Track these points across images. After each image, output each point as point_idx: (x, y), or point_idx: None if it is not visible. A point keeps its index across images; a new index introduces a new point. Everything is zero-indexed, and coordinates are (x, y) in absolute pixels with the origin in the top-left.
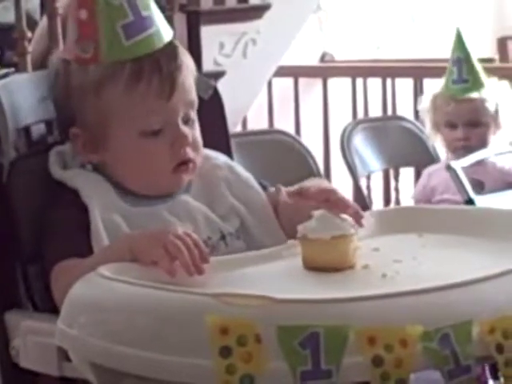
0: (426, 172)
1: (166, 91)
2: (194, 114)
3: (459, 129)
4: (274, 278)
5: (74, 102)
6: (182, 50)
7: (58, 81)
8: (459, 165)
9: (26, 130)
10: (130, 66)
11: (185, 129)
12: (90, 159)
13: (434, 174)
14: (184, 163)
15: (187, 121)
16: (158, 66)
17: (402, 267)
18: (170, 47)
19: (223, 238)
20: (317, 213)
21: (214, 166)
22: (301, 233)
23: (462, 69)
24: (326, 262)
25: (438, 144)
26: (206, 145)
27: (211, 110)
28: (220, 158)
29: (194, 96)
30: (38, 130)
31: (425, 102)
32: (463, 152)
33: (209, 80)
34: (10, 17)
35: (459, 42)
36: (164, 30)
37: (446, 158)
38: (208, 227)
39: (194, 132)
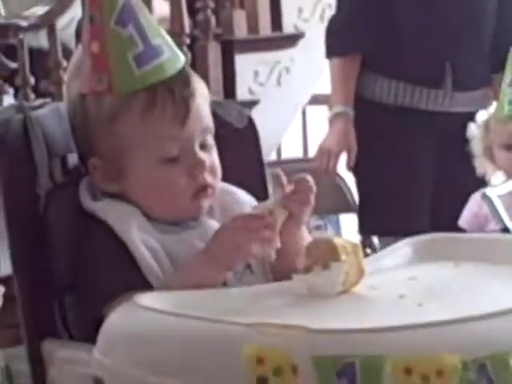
0: (476, 198)
1: (181, 117)
2: (211, 140)
3: None
4: (306, 307)
5: (92, 134)
6: (195, 77)
7: (75, 115)
8: (495, 193)
9: (62, 159)
10: (144, 95)
11: (202, 155)
12: (110, 189)
13: None
14: (203, 189)
15: (204, 147)
16: (171, 92)
17: (439, 296)
18: (183, 74)
19: (249, 266)
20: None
21: (237, 201)
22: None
23: None
24: None
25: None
26: (241, 174)
27: (246, 139)
28: (242, 194)
29: (210, 122)
30: (74, 159)
31: (473, 131)
32: None
33: (243, 109)
34: (42, 41)
35: None
36: (176, 58)
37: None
38: None
39: (212, 158)
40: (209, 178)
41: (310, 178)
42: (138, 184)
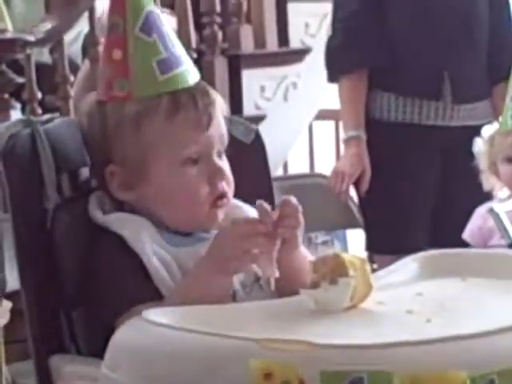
0: (480, 212)
1: (204, 122)
2: (223, 150)
3: None
4: (313, 323)
5: (112, 141)
6: (211, 89)
7: (92, 124)
8: (502, 209)
9: (71, 173)
10: (167, 99)
11: (220, 162)
12: (125, 197)
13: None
14: (221, 197)
15: (220, 155)
16: (194, 99)
17: (446, 312)
18: (201, 85)
19: (257, 280)
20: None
21: (245, 215)
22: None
23: None
24: None
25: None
26: (248, 189)
27: (253, 154)
28: (249, 209)
29: (226, 133)
30: (82, 174)
31: (479, 146)
32: None
33: (250, 124)
34: (44, 55)
35: None
36: (193, 70)
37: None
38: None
39: (227, 166)
40: (226, 187)
41: (293, 198)
42: (158, 189)
